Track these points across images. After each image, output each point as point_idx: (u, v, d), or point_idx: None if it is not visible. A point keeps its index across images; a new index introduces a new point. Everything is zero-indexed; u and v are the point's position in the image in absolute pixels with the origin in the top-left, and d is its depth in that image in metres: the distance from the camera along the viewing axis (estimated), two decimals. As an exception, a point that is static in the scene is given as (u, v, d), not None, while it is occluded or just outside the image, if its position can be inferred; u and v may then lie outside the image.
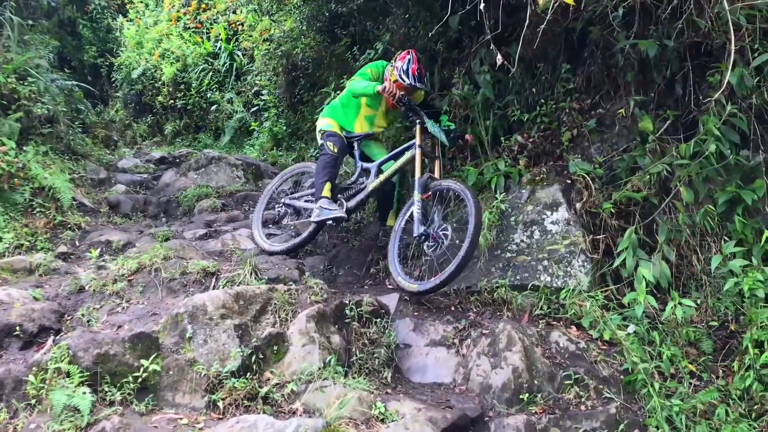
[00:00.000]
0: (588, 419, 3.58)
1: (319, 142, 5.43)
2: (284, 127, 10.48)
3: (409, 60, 5.02)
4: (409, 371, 4.13)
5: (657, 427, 3.50)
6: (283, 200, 5.80)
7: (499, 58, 4.08)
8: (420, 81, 5.03)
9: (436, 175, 4.83)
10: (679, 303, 3.88)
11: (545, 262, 4.54)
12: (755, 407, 3.58)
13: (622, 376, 3.86)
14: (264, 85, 11.47)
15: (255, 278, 4.31)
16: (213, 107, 12.54)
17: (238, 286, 4.09)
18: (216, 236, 5.81)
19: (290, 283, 4.29)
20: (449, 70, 6.02)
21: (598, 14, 4.71)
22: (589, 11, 4.74)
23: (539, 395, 3.70)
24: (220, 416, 3.20)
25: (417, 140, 4.83)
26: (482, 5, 4.08)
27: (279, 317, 3.85)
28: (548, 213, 4.68)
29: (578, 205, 4.65)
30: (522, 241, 4.71)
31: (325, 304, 4.06)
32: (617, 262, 4.35)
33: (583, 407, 3.68)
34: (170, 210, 7.60)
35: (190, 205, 7.53)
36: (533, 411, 3.61)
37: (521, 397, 3.67)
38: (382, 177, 5.13)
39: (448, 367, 4.10)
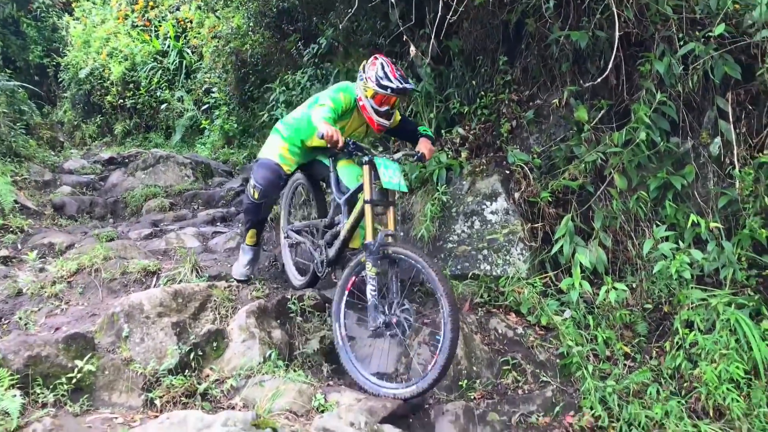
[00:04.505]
0: (525, 403, 3.66)
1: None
2: (235, 125, 10.44)
3: (382, 64, 4.04)
4: (352, 363, 4.16)
5: (591, 408, 3.59)
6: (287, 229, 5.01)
7: (413, 50, 4.14)
8: (407, 81, 4.07)
9: (391, 226, 3.86)
10: (613, 287, 3.98)
11: (485, 252, 4.62)
12: (684, 384, 3.71)
13: (558, 360, 3.95)
14: (214, 82, 11.39)
15: (196, 276, 4.30)
16: (163, 106, 12.40)
17: (178, 284, 4.08)
18: (161, 235, 5.76)
19: (232, 279, 4.28)
20: (392, 64, 6.06)
21: (532, 6, 4.80)
22: (523, 3, 4.83)
23: (478, 381, 3.77)
24: (158, 414, 3.17)
25: (365, 192, 3.84)
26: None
27: (219, 314, 3.85)
28: (488, 203, 4.75)
29: (517, 195, 4.73)
30: (463, 231, 4.78)
31: (267, 300, 4.06)
32: (555, 249, 4.44)
33: (520, 391, 3.77)
34: (117, 211, 7.50)
35: (138, 206, 7.45)
36: (472, 397, 3.68)
37: (460, 383, 3.73)
38: (347, 225, 4.17)
39: (390, 358, 4.14)
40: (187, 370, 3.47)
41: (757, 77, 4.06)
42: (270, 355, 3.63)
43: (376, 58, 4.12)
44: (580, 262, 4.22)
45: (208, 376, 3.51)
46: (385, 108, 4.11)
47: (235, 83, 10.29)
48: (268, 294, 4.18)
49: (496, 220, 4.69)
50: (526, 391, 3.76)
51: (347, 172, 4.35)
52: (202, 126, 11.70)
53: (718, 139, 4.30)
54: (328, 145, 3.74)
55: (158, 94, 12.59)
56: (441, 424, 3.53)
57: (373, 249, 3.71)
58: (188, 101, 12.28)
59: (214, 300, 3.91)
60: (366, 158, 3.85)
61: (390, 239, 3.76)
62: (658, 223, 4.35)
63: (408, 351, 4.05)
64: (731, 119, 4.26)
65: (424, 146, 4.25)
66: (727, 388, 3.47)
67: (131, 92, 12.80)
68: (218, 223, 6.53)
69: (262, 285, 4.26)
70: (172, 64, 12.96)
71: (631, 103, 4.58)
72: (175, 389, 3.31)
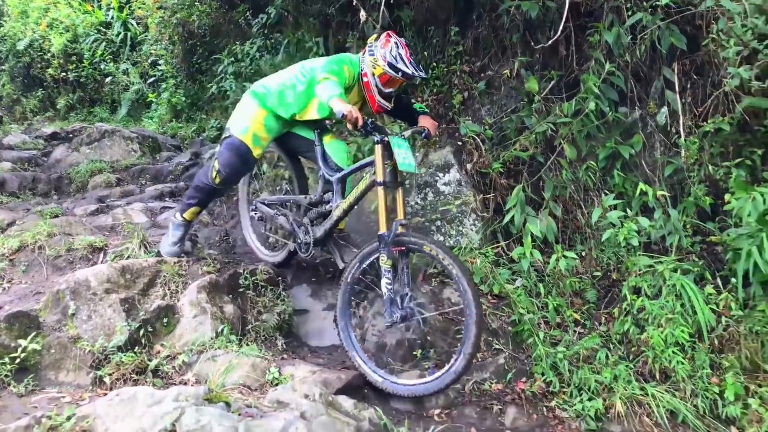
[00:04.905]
0: (479, 370, 3.71)
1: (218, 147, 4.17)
2: (183, 98, 10.17)
3: (396, 44, 3.75)
4: (306, 336, 4.15)
5: (542, 374, 3.66)
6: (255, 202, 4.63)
7: (363, 15, 4.08)
8: (419, 68, 3.86)
9: (400, 212, 3.62)
10: (563, 255, 4.04)
11: (438, 223, 4.63)
12: (632, 349, 3.80)
13: (510, 328, 4.01)
14: (160, 54, 11.09)
15: (144, 251, 4.20)
16: (108, 79, 12.00)
17: (126, 259, 3.98)
18: (108, 211, 5.60)
19: (182, 254, 4.20)
20: (343, 35, 5.99)
21: (483, -24, 4.78)
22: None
23: (432, 350, 3.79)
24: (107, 392, 3.10)
25: (378, 173, 3.58)
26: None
27: (169, 289, 3.78)
28: (440, 175, 4.76)
29: (469, 166, 4.75)
30: (416, 203, 4.78)
31: (218, 275, 4.00)
32: (506, 219, 4.48)
33: (474, 359, 3.80)
34: (62, 187, 7.26)
35: (83, 181, 7.22)
36: (426, 366, 3.69)
37: (414, 353, 3.75)
38: (344, 205, 3.91)
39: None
40: (137, 347, 3.41)
41: (702, 47, 4.14)
42: (222, 330, 3.59)
43: (389, 36, 3.81)
44: (531, 232, 4.27)
45: (159, 352, 3.45)
46: (389, 90, 3.86)
47: (182, 55, 10.03)
48: (220, 269, 4.12)
49: (449, 191, 4.70)
50: (479, 359, 3.80)
51: (335, 149, 4.11)
52: (148, 99, 11.37)
53: (664, 109, 4.37)
54: (349, 127, 3.48)
55: (102, 66, 12.16)
56: (396, 394, 3.55)
57: (387, 240, 3.48)
58: (134, 74, 11.92)
59: (164, 275, 3.83)
60: (377, 137, 3.55)
61: (402, 228, 3.55)
62: (607, 192, 4.42)
63: (363, 323, 4.06)
64: (677, 89, 4.34)
65: (426, 122, 3.99)
66: (673, 351, 3.57)
67: (74, 65, 12.33)
68: (167, 199, 6.39)
69: (213, 260, 4.18)
70: (117, 35, 12.53)
71: (581, 74, 4.62)
72: (125, 366, 3.25)
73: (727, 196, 3.77)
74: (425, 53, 5.40)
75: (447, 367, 3.33)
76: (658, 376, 3.63)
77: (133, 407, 2.49)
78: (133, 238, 4.23)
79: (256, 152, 4.05)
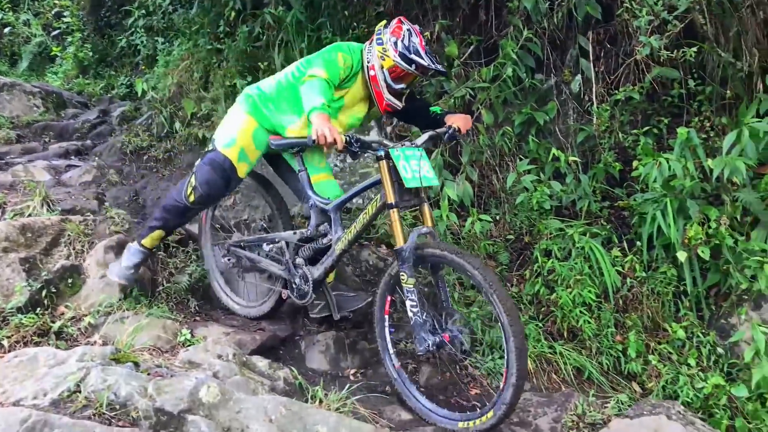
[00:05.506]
0: (398, 331, 3.72)
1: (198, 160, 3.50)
2: (91, 53, 9.68)
3: (409, 31, 3.21)
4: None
5: (456, 333, 3.72)
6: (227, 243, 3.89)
7: None
8: (436, 60, 3.28)
9: (428, 222, 3.04)
10: (478, 219, 4.10)
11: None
12: (542, 309, 3.92)
13: (426, 289, 4.04)
14: (66, 5, 10.49)
15: (48, 210, 3.98)
16: (6, 30, 11.26)
17: (27, 217, 3.77)
18: (6, 169, 5.28)
19: (88, 213, 4.01)
20: (261, -9, 5.80)
21: (405, -65, 4.72)
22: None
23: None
24: (5, 354, 2.95)
25: (387, 194, 2.96)
26: None
27: (74, 249, 3.61)
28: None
29: (389, 129, 4.73)
30: (335, 165, 4.73)
31: (127, 234, 3.85)
32: (425, 183, 4.49)
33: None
34: (-45, 143, 6.80)
35: (-21, 137, 6.79)
36: (343, 327, 3.70)
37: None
38: (348, 235, 3.20)
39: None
40: (39, 309, 3.24)
41: (616, 17, 4.24)
42: (131, 291, 3.46)
43: (401, 22, 3.25)
44: (448, 196, 4.30)
45: (63, 314, 3.30)
46: (400, 86, 3.29)
47: (89, 7, 9.54)
48: (128, 228, 3.97)
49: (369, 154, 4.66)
50: (395, 320, 3.82)
51: (324, 188, 3.48)
52: (52, 53, 10.76)
53: (578, 77, 4.47)
54: (326, 151, 2.90)
55: (0, 16, 11.41)
56: (311, 354, 3.55)
57: (406, 255, 2.92)
58: (36, 25, 11.23)
59: (69, 234, 3.65)
60: (380, 152, 3.00)
61: (427, 238, 3.00)
62: (522, 157, 4.51)
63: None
64: (591, 57, 4.44)
65: (457, 119, 3.33)
66: (580, 311, 3.70)
67: (-33, 13, 11.52)
68: (72, 157, 6.09)
69: (122, 219, 4.02)
70: (16, -17, 11.77)
71: (499, 39, 4.65)
72: (25, 329, 3.08)
73: (634, 163, 3.92)
74: (345, 12, 5.30)
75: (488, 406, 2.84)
76: (566, 335, 3.76)
77: (33, 368, 2.37)
78: (34, 196, 4.00)
79: (242, 170, 3.39)
